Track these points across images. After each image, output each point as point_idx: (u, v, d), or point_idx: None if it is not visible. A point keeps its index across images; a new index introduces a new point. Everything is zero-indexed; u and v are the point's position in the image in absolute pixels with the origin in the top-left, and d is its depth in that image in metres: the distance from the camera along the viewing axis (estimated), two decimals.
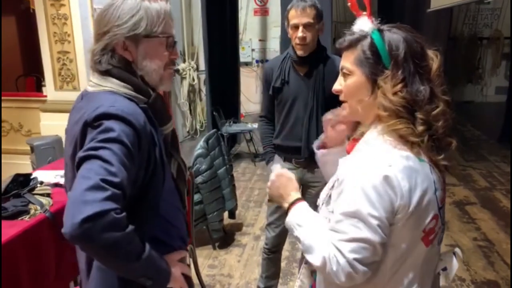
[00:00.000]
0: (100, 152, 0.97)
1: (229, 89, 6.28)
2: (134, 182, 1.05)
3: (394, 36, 1.06)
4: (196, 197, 3.13)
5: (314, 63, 2.15)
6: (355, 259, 0.97)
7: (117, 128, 1.01)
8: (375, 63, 1.05)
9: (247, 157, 5.79)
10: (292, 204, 1.17)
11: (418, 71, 1.04)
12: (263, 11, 8.69)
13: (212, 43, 5.52)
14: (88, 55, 1.20)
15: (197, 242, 3.30)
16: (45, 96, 4.60)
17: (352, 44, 1.09)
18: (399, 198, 0.97)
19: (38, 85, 5.47)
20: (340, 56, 1.15)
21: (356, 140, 1.16)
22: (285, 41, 5.52)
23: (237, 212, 3.74)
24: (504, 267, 3.09)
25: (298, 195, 1.21)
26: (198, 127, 7.33)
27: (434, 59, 1.07)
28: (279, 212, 2.36)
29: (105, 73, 1.15)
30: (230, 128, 5.65)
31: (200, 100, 7.37)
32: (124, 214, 0.95)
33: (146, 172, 1.11)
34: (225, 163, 3.47)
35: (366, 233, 0.96)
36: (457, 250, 1.15)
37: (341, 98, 1.15)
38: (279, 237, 2.41)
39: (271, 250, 2.45)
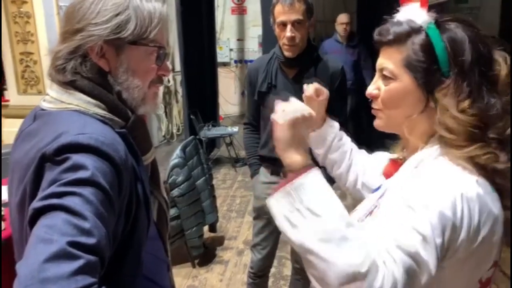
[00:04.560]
0: (67, 200, 0.67)
1: (207, 90, 6.01)
2: (113, 237, 0.76)
3: (458, 35, 0.81)
4: (173, 211, 2.84)
5: (304, 65, 1.91)
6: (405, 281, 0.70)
7: (90, 165, 0.73)
8: (430, 69, 0.81)
9: (227, 163, 5.52)
10: (307, 167, 0.77)
11: (485, 82, 0.80)
12: (240, 10, 8.45)
13: (188, 42, 5.24)
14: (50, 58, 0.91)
15: (174, 260, 3.01)
16: (8, 100, 4.26)
17: (401, 39, 0.84)
18: (465, 231, 0.73)
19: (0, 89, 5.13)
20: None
21: (396, 162, 0.94)
22: (266, 41, 5.30)
23: (217, 224, 3.48)
24: None
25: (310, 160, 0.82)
26: (174, 130, 7.02)
27: (502, 64, 0.82)
28: (266, 231, 2.12)
29: (69, 84, 0.87)
30: (209, 132, 5.37)
31: (177, 102, 7.06)
32: None
33: (127, 220, 0.83)
34: (205, 173, 3.20)
35: (428, 256, 0.70)
36: None
37: (376, 105, 0.91)
38: (266, 259, 2.17)
39: (257, 275, 2.20)
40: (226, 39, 8.35)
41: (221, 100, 6.75)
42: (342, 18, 4.81)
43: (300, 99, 1.86)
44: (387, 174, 0.98)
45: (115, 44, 0.88)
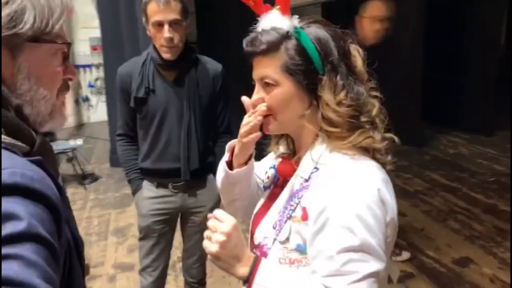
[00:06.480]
0: (2, 268, 0.47)
1: None
2: None
3: (321, 35, 0.88)
4: None
5: (185, 68, 1.78)
6: None
7: (22, 211, 0.52)
8: (308, 70, 0.87)
9: (72, 181, 4.91)
10: (256, 264, 0.87)
11: (350, 73, 0.90)
12: None
13: None
14: None
15: None
16: None
17: (274, 47, 0.88)
18: (390, 212, 0.86)
19: None
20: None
21: (288, 160, 0.98)
22: (107, 41, 4.96)
23: None
24: None
25: (250, 252, 0.93)
26: None
27: (357, 55, 0.93)
28: (157, 251, 1.93)
29: None
30: None
31: None
32: None
33: (63, 271, 0.63)
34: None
35: (376, 265, 0.80)
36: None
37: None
38: (159, 281, 1.97)
39: None
40: None
41: None
42: (377, 8, 2.45)
43: (182, 102, 1.76)
44: (283, 172, 1.01)
45: (10, 43, 0.65)
